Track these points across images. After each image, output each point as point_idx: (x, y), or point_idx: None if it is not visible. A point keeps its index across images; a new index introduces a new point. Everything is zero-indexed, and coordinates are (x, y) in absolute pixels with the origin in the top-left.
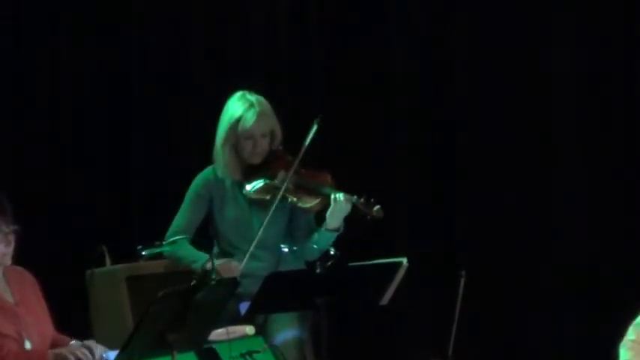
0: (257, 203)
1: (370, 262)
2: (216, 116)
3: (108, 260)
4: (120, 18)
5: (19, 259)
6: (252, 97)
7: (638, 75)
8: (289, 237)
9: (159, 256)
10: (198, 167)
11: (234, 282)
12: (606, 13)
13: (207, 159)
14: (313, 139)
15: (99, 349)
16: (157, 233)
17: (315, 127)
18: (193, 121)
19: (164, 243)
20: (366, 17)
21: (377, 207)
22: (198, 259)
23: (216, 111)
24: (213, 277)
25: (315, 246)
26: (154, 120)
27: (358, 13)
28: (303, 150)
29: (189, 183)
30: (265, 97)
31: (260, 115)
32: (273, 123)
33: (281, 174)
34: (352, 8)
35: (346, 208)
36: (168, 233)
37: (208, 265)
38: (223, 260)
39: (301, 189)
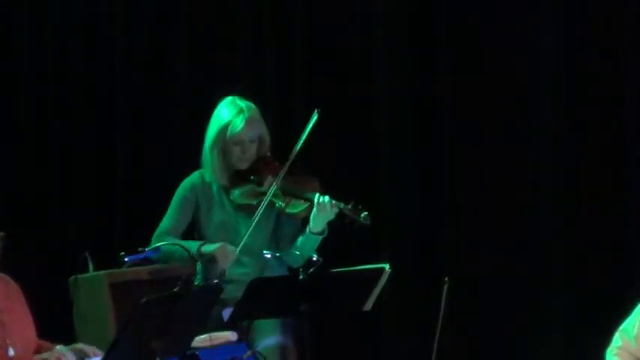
0: (243, 208)
1: (353, 269)
2: (204, 121)
3: (91, 266)
4: (105, 22)
5: (2, 266)
6: (242, 103)
7: (627, 74)
8: (275, 244)
9: (143, 262)
10: (184, 173)
11: (217, 288)
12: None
13: (193, 164)
14: (310, 132)
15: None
16: (141, 239)
17: (314, 118)
18: (179, 126)
19: (147, 249)
20: (352, 19)
21: (364, 214)
22: (191, 246)
23: (204, 115)
24: (209, 261)
25: (298, 252)
26: (139, 125)
27: (344, 16)
28: (296, 150)
29: (174, 189)
30: (251, 101)
31: (249, 121)
32: (261, 129)
33: (268, 179)
34: (337, 11)
35: (330, 212)
36: (154, 236)
37: (203, 248)
38: (219, 244)
39: (289, 195)
